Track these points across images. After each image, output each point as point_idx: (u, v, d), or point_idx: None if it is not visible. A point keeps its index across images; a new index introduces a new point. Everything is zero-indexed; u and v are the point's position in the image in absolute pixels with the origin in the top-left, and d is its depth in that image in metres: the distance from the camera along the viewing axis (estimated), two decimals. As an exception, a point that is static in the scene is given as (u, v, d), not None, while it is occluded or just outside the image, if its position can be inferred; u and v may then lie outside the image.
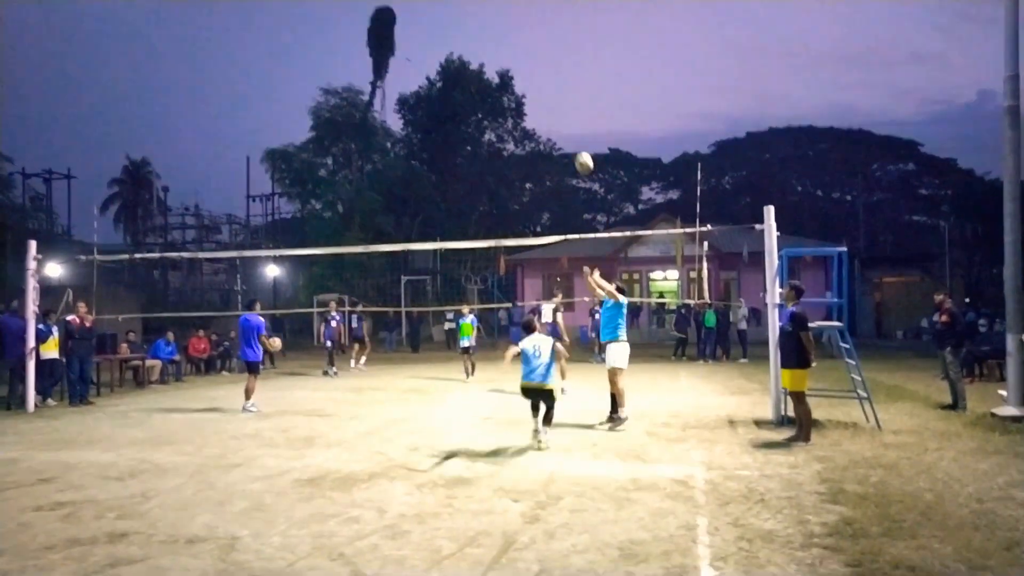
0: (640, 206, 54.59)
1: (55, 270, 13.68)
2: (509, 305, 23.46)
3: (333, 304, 18.37)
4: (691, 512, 5.09)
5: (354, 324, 18.78)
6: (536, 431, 7.53)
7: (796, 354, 7.57)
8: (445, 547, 4.45)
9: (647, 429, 8.50)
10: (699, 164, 18.61)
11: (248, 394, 10.77)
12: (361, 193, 35.24)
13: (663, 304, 28.85)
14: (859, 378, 8.75)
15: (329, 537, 4.68)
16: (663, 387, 13.14)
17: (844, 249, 10.11)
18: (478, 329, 16.13)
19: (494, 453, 7.27)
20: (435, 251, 30.35)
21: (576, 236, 15.03)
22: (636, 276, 30.65)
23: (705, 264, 15.57)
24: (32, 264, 11.67)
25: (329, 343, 17.07)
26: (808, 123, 54.93)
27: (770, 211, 9.16)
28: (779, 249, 9.24)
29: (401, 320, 27.83)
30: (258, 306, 11.39)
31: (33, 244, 12.06)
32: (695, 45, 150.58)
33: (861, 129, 51.90)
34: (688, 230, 17.32)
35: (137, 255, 21.70)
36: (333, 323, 17.49)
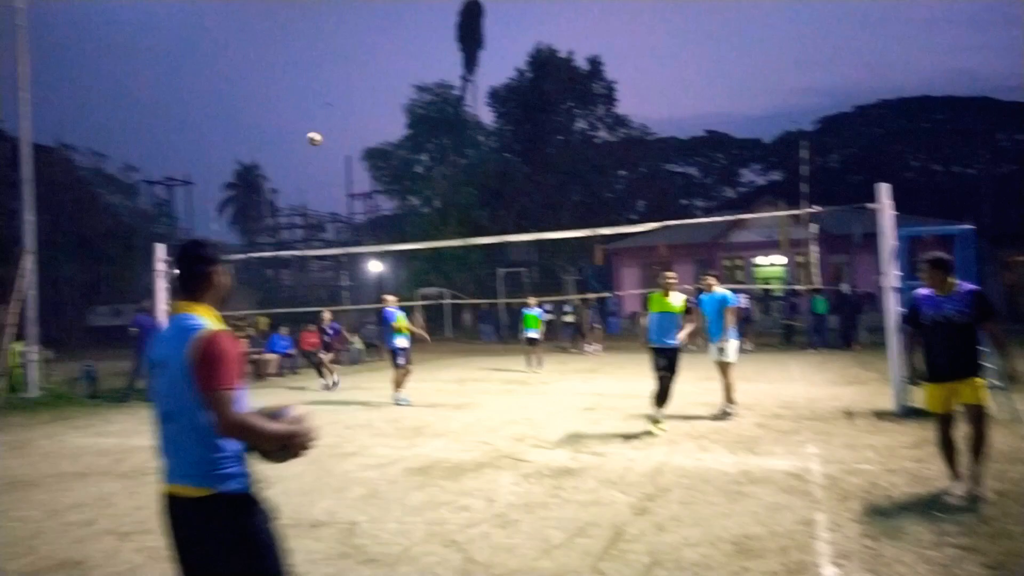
0: (740, 189, 52.73)
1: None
2: (607, 295, 23.28)
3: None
4: (809, 507, 4.90)
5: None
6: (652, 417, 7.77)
7: (974, 355, 4.92)
8: (554, 536, 4.49)
9: (757, 421, 8.24)
10: (803, 142, 17.76)
11: (396, 384, 11.15)
12: (457, 188, 35.85)
13: (769, 290, 27.80)
14: (993, 366, 8.13)
15: (441, 524, 4.82)
16: (772, 377, 12.68)
17: (971, 227, 9.41)
18: (547, 323, 16.26)
19: (599, 444, 7.25)
20: (531, 242, 30.52)
21: (674, 222, 14.71)
22: (739, 262, 29.69)
23: (813, 248, 14.89)
24: (161, 266, 12.57)
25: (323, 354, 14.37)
26: (923, 93, 51.33)
27: (883, 189, 8.63)
28: (895, 229, 8.70)
29: (499, 312, 28.17)
30: (390, 298, 11.78)
31: (162, 247, 12.98)
32: (794, 16, 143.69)
33: (984, 96, 48.00)
34: (794, 212, 16.58)
35: (251, 255, 22.96)
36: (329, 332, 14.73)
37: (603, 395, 11.03)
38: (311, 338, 19.13)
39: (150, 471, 6.78)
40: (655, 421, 7.74)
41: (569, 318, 23.15)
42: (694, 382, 11.92)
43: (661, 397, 7.79)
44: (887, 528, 4.37)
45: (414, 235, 28.52)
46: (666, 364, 7.77)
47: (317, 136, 10.90)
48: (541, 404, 10.48)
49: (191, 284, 2.36)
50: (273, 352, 16.83)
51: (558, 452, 6.93)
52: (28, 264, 13.38)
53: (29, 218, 13.71)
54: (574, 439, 7.52)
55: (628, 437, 7.52)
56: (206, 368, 2.14)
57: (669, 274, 8.13)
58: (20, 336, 13.09)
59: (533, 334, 15.36)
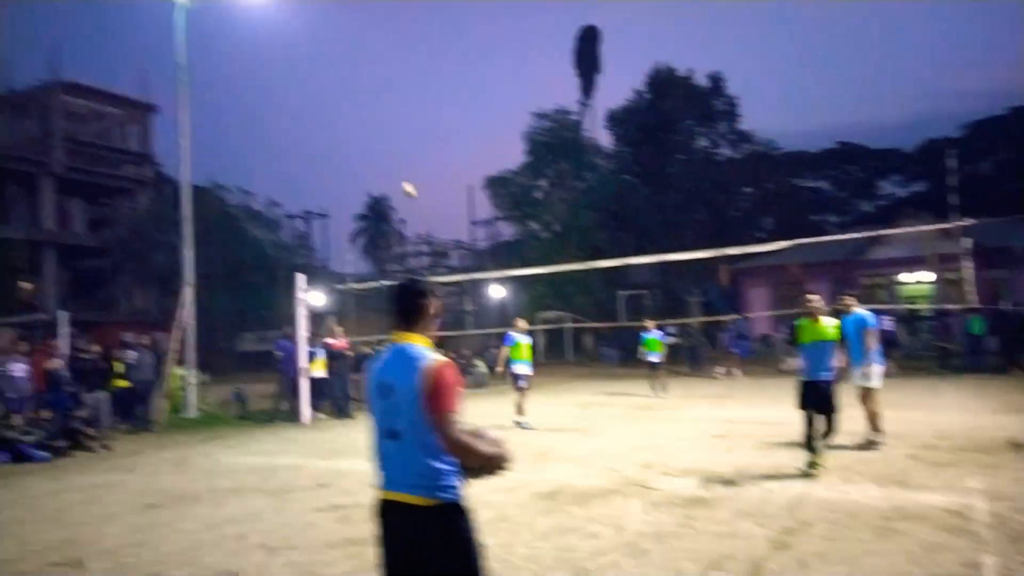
0: (879, 202, 49.45)
1: (318, 299, 15.64)
2: (736, 317, 22.46)
3: (338, 330, 14.25)
4: (973, 548, 4.47)
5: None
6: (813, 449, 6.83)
7: None
8: (688, 569, 4.35)
9: (908, 452, 7.63)
10: (950, 150, 16.46)
11: (518, 409, 11.38)
12: (576, 211, 35.95)
13: (915, 311, 25.79)
14: None
15: (571, 551, 4.79)
16: (924, 404, 11.72)
17: None
18: (669, 347, 15.90)
19: (732, 473, 6.97)
20: (653, 264, 30.03)
21: (806, 240, 14.02)
22: (880, 280, 27.77)
23: (966, 263, 13.72)
24: (301, 295, 13.42)
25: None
26: (1093, 89, 46.17)
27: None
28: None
29: (618, 335, 27.81)
30: (521, 323, 12.07)
31: (302, 277, 13.87)
32: (935, 15, 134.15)
33: None
34: (941, 226, 15.42)
35: (382, 282, 24.04)
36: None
37: (734, 422, 10.60)
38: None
39: (295, 488, 7.21)
40: (813, 463, 6.73)
41: (690, 342, 22.56)
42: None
43: (813, 438, 6.81)
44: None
45: (534, 259, 28.82)
46: (818, 400, 6.84)
47: (411, 188, 11.40)
48: (668, 430, 10.22)
49: (409, 316, 2.64)
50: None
51: (688, 480, 6.72)
52: (187, 295, 14.70)
53: (188, 253, 15.08)
54: (705, 467, 7.27)
55: (763, 468, 7.18)
56: (436, 395, 2.43)
57: (812, 296, 7.19)
58: (180, 361, 14.36)
59: (655, 358, 15.12)
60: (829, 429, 6.95)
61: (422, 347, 2.58)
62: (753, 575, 4.20)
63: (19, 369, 11.17)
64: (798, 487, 6.27)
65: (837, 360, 7.00)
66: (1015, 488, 5.88)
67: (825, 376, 6.85)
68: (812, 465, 6.69)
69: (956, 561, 4.25)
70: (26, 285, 28.66)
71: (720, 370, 18.70)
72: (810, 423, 6.78)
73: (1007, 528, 4.82)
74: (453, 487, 2.52)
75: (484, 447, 2.49)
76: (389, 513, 2.56)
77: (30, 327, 19.53)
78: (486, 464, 2.52)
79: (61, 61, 51.26)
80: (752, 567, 4.32)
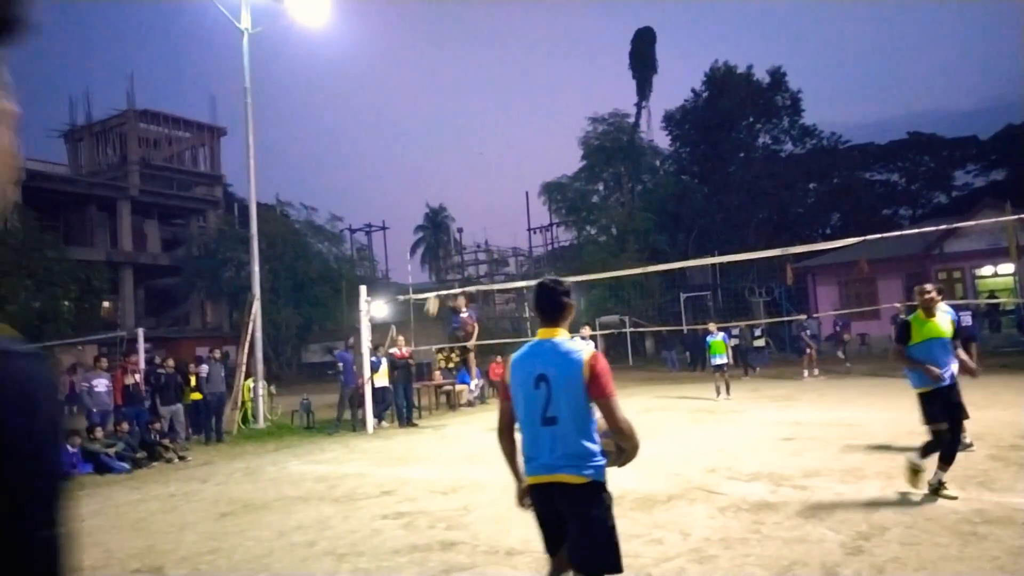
0: (954, 193, 47.27)
1: (380, 309, 15.95)
2: (803, 316, 21.77)
3: (400, 340, 14.58)
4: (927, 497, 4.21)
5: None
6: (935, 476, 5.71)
7: None
8: (757, 575, 4.23)
9: (990, 452, 7.25)
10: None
11: None
12: (633, 214, 35.59)
13: (996, 304, 24.51)
14: None
15: (635, 557, 4.72)
16: (1008, 402, 11.11)
17: None
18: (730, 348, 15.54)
19: (801, 477, 6.75)
20: (713, 265, 29.45)
21: (876, 236, 13.51)
22: (957, 274, 26.52)
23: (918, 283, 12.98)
24: (364, 306, 13.69)
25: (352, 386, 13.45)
26: None
27: None
28: None
29: (680, 338, 27.37)
30: (585, 331, 12.08)
31: (364, 289, 14.15)
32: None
33: None
34: (1021, 216, 14.64)
35: (442, 292, 24.31)
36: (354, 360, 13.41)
37: (802, 424, 10.28)
38: (498, 369, 19.81)
39: (361, 496, 7.34)
40: (936, 490, 5.65)
41: (759, 342, 21.94)
42: (910, 409, 10.76)
43: (947, 457, 5.68)
44: None
45: (592, 264, 28.66)
46: (945, 411, 5.70)
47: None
48: (733, 433, 9.98)
49: (553, 314, 2.96)
50: (464, 383, 17.60)
51: (755, 485, 6.55)
52: (255, 309, 15.19)
53: (255, 269, 15.60)
54: (773, 471, 7.07)
55: (835, 469, 6.93)
56: (599, 381, 2.78)
57: (929, 287, 5.91)
58: (249, 374, 14.83)
59: (720, 360, 14.89)
60: (954, 441, 5.81)
61: (570, 340, 2.90)
62: (825, 582, 4.06)
63: (101, 384, 11.77)
64: (872, 490, 6.03)
65: (961, 362, 6.01)
66: (1112, 490, 5.52)
67: (947, 382, 5.76)
68: (936, 491, 5.63)
69: (1047, 568, 4.01)
70: (106, 304, 30.15)
71: (815, 371, 17.98)
72: (942, 439, 5.63)
73: (1104, 533, 4.52)
74: (601, 467, 2.82)
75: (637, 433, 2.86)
76: (547, 495, 2.87)
77: (110, 344, 20.51)
78: (632, 449, 2.87)
79: (136, 90, 53.88)
80: (825, 573, 4.18)
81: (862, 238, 12.15)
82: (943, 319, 5.88)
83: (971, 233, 24.09)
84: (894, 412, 10.65)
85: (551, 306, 2.95)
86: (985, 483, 6.03)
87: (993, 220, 16.28)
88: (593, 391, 2.77)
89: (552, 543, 2.98)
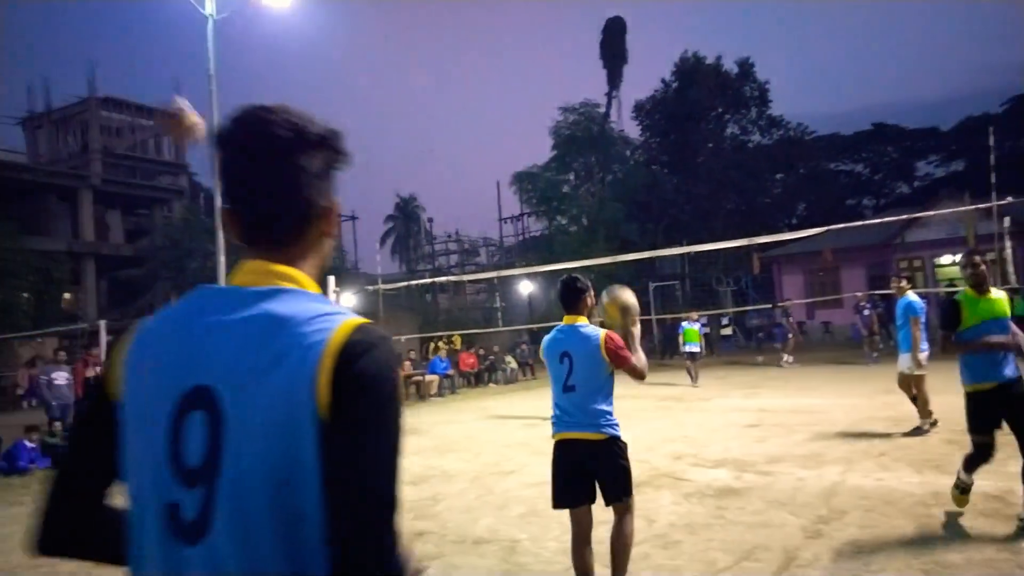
0: (916, 183, 48.30)
1: (349, 300, 15.82)
2: (768, 306, 22.14)
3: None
4: (1013, 533, 4.35)
5: None
6: None
7: None
8: (720, 560, 4.31)
9: (947, 437, 7.45)
10: (990, 127, 16.00)
11: None
12: (604, 204, 35.75)
13: (954, 293, 25.18)
14: None
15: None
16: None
17: None
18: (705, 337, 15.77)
19: (764, 463, 6.88)
20: (682, 255, 29.75)
21: (840, 226, 13.79)
22: (918, 263, 27.14)
23: (1007, 243, 13.36)
24: (332, 297, 13.58)
25: None
26: None
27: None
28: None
29: (648, 327, 27.62)
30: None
31: (332, 279, 14.03)
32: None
33: None
34: (981, 206, 15.01)
35: (412, 282, 24.22)
36: None
37: (767, 411, 10.47)
38: (469, 359, 19.82)
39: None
40: (961, 489, 4.84)
41: (727, 330, 22.25)
42: (870, 396, 11.02)
43: (977, 466, 4.76)
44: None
45: (563, 254, 28.74)
46: (998, 416, 4.57)
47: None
48: (700, 421, 10.13)
49: (573, 305, 3.70)
50: (434, 373, 17.58)
51: (720, 471, 6.66)
52: (222, 300, 14.97)
53: (221, 259, 15.36)
54: (737, 457, 7.19)
55: (797, 456, 7.07)
56: (617, 351, 3.55)
57: (977, 258, 4.86)
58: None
59: (693, 348, 15.19)
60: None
61: (588, 325, 3.66)
62: (786, 564, 4.15)
63: (61, 377, 11.52)
64: (833, 475, 6.17)
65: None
66: (1060, 472, 5.71)
67: (1010, 374, 4.54)
68: (961, 491, 4.84)
69: (996, 547, 4.14)
70: (67, 296, 29.46)
71: (790, 359, 18.17)
72: (988, 450, 4.62)
73: (1050, 513, 4.68)
74: (615, 425, 3.61)
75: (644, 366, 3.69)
76: (569, 449, 3.63)
77: (71, 336, 20.10)
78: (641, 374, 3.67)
79: (97, 77, 52.54)
80: (785, 557, 4.27)
81: (826, 228, 12.42)
82: (998, 295, 4.81)
83: (931, 223, 24.67)
84: (855, 399, 10.90)
85: (572, 298, 3.70)
86: (941, 466, 6.20)
87: (952, 210, 16.70)
88: (616, 359, 3.55)
89: (564, 493, 3.68)
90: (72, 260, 31.00)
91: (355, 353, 0.91)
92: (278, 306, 0.95)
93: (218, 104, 15.61)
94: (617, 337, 3.58)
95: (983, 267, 4.72)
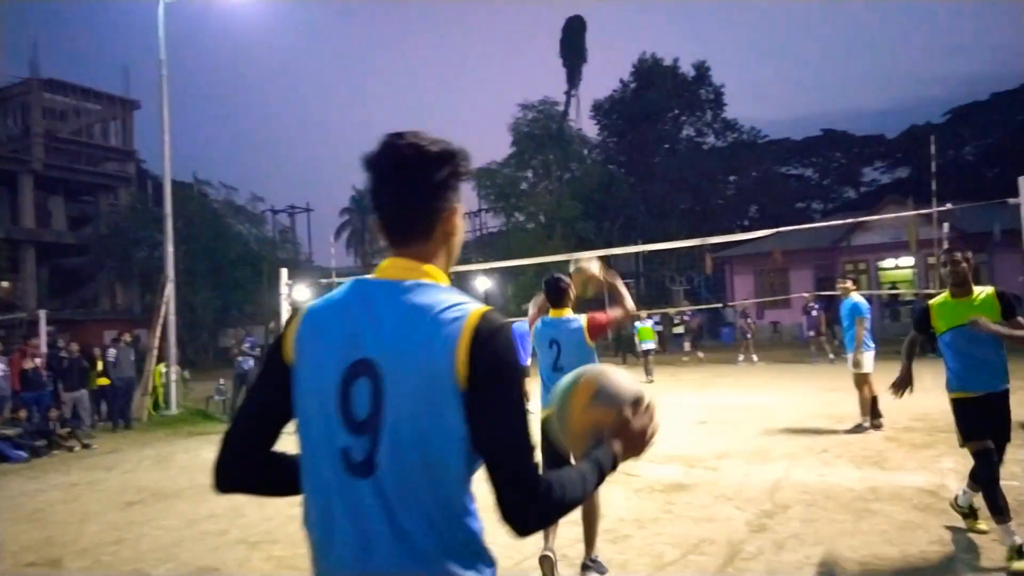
0: (862, 189, 49.81)
1: (303, 293, 15.53)
2: (719, 305, 22.58)
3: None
4: (944, 526, 4.53)
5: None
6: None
7: None
8: (667, 553, 4.38)
9: (886, 434, 7.72)
10: (932, 136, 16.58)
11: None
12: (561, 202, 35.92)
13: (896, 295, 26.05)
14: None
15: (575, 523, 4.80)
16: (902, 387, 11.85)
17: None
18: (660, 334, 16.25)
19: (712, 458, 7.02)
20: (637, 254, 30.12)
21: (789, 228, 14.10)
22: (863, 266, 28.01)
23: (945, 247, 13.85)
24: (284, 289, 13.33)
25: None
26: (1071, 74, 46.54)
27: (1026, 182, 7.87)
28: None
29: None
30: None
31: (284, 272, 13.77)
32: (919, 2, 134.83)
33: None
34: (923, 212, 15.51)
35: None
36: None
37: (716, 407, 10.67)
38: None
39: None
40: (966, 515, 4.45)
41: (679, 328, 22.61)
42: (815, 392, 11.33)
43: (992, 485, 4.00)
44: (1039, 552, 3.95)
45: (520, 251, 28.80)
46: (994, 424, 4.09)
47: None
48: (652, 418, 10.26)
49: (559, 300, 4.32)
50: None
51: (670, 467, 6.76)
52: (168, 291, 14.58)
53: (169, 249, 14.95)
54: (686, 453, 7.31)
55: (744, 451, 7.23)
56: (599, 326, 4.21)
57: (959, 255, 4.26)
58: (161, 358, 14.25)
59: (648, 345, 15.62)
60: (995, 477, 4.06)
61: (574, 315, 4.25)
62: (731, 557, 4.24)
63: (-3, 368, 11.07)
64: (778, 471, 6.32)
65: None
66: (990, 468, 5.95)
67: (995, 385, 4.10)
68: (966, 516, 4.46)
69: (928, 539, 4.30)
70: (4, 284, 28.31)
71: (752, 357, 18.46)
72: (990, 458, 4.05)
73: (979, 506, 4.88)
74: None
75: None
76: None
77: (9, 326, 19.32)
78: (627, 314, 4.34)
79: (40, 58, 50.61)
80: (730, 550, 4.36)
81: (776, 230, 12.65)
82: (979, 295, 4.16)
83: (876, 227, 25.48)
84: (800, 397, 11.20)
85: (558, 295, 4.31)
86: (879, 463, 6.41)
87: (896, 215, 17.26)
88: (596, 331, 4.18)
89: (547, 464, 3.94)
90: (10, 247, 29.79)
91: (484, 335, 1.17)
92: (421, 297, 1.21)
93: (169, 90, 15.20)
94: (594, 316, 4.20)
95: (964, 264, 4.20)
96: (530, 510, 1.20)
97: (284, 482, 1.32)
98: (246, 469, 1.35)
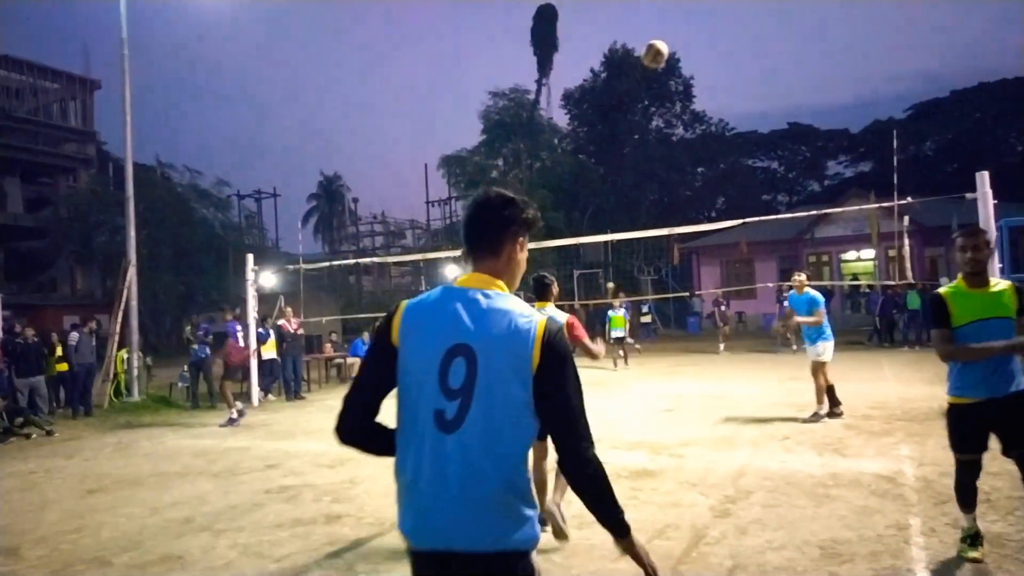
0: (826, 182, 50.71)
1: (269, 279, 15.33)
2: (686, 295, 22.84)
3: (288, 311, 14.40)
4: (901, 511, 4.67)
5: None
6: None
7: None
8: (633, 539, 4.44)
9: (846, 422, 7.90)
10: (894, 131, 16.93)
11: None
12: (531, 190, 35.92)
13: (857, 287, 26.62)
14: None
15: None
16: (863, 376, 12.13)
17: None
18: (629, 322, 16.50)
19: (678, 445, 7.12)
20: (606, 243, 30.27)
21: (755, 219, 14.28)
22: (825, 258, 28.55)
23: (906, 241, 14.16)
24: (250, 275, 13.14)
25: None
26: (1027, 73, 47.82)
27: (984, 177, 8.09)
28: (996, 220, 8.16)
29: (577, 313, 28.06)
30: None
31: (250, 257, 13.57)
32: (883, 1, 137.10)
33: (1098, 73, 44.30)
34: (884, 205, 15.82)
35: (335, 262, 23.70)
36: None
37: (683, 395, 10.83)
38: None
39: (243, 470, 7.11)
40: (969, 540, 3.83)
41: (646, 318, 22.82)
42: (778, 382, 11.56)
43: (969, 493, 3.82)
44: (988, 534, 4.10)
45: (490, 239, 28.72)
46: (984, 436, 3.75)
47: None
48: (619, 404, 10.38)
49: (543, 294, 4.69)
50: (356, 356, 17.31)
51: (636, 453, 6.85)
52: (130, 276, 14.27)
53: (131, 233, 14.61)
54: (652, 440, 7.41)
55: (709, 439, 7.35)
56: (575, 334, 4.53)
57: (984, 239, 3.73)
58: (123, 344, 13.95)
59: (619, 333, 15.76)
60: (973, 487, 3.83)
61: (556, 311, 4.52)
62: (695, 542, 4.31)
63: (-50, 354, 10.73)
64: (741, 458, 6.45)
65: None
66: (942, 454, 6.09)
67: (1008, 386, 3.63)
68: (969, 543, 3.83)
69: (885, 524, 4.43)
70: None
71: (723, 346, 18.55)
72: (973, 472, 3.79)
73: (933, 492, 5.04)
74: None
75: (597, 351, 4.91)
76: None
77: (-37, 311, 18.71)
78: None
79: (-8, 32, 48.86)
80: (694, 535, 4.44)
81: (742, 221, 12.82)
82: (999, 288, 3.71)
83: (839, 220, 25.98)
84: (765, 385, 11.41)
85: (542, 290, 4.68)
86: (839, 449, 6.57)
87: (858, 208, 17.61)
88: (574, 337, 4.50)
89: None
90: (-37, 229, 28.91)
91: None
92: (502, 303, 1.64)
93: (131, 69, 14.81)
94: (577, 323, 4.57)
95: (986, 251, 3.68)
96: (583, 454, 1.61)
97: (382, 443, 1.70)
98: (357, 426, 1.72)
